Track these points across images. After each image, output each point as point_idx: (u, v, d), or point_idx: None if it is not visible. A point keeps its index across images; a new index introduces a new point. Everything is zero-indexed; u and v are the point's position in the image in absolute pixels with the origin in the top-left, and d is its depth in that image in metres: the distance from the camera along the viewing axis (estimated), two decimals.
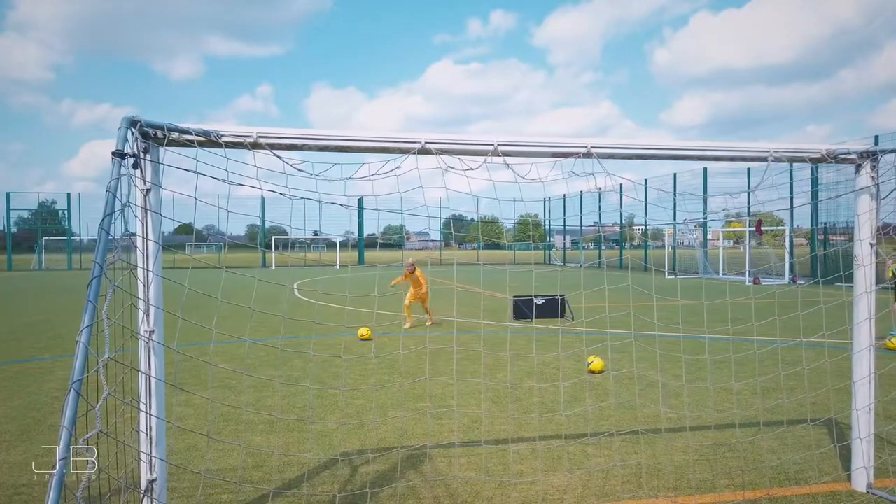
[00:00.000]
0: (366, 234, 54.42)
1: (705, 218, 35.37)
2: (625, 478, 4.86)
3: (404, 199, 4.65)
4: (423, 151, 4.22)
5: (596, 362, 8.62)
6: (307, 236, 58.05)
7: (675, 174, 35.34)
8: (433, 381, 7.90)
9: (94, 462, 2.40)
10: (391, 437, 5.90)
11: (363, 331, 11.58)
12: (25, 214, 52.22)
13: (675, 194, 35.81)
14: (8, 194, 46.67)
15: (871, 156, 4.75)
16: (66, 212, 48.99)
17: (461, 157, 4.33)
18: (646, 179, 38.45)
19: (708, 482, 4.78)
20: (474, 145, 4.30)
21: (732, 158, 4.93)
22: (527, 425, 6.24)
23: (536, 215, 56.07)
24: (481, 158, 4.33)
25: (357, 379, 8.30)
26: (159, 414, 3.61)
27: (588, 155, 4.43)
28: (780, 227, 32.96)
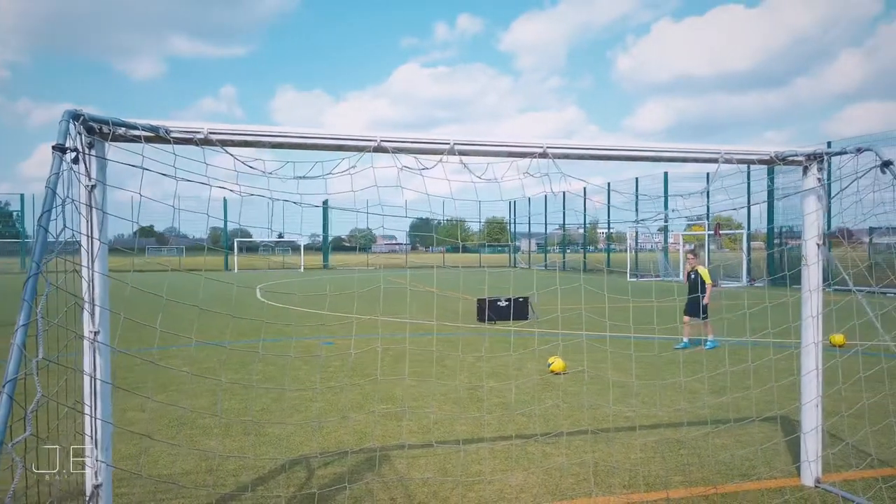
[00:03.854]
0: (332, 236, 54.03)
1: (666, 221, 36.05)
2: (581, 476, 4.90)
3: (371, 201, 4.62)
4: (379, 149, 4.19)
5: (557, 363, 8.68)
6: (271, 239, 57.33)
7: (636, 178, 35.88)
8: (394, 384, 7.86)
9: (22, 468, 2.30)
10: (350, 439, 5.85)
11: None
12: None
13: (636, 198, 36.42)
14: None
15: (818, 158, 4.89)
16: (19, 213, 47.56)
17: (417, 156, 4.32)
18: (608, 183, 39.01)
19: (661, 479, 4.84)
20: (430, 144, 4.29)
21: (685, 160, 5.02)
22: (486, 426, 6.25)
23: (503, 219, 56.36)
24: (437, 158, 4.33)
25: (317, 382, 8.21)
26: (104, 417, 3.51)
27: (544, 155, 4.46)
28: (738, 231, 33.76)
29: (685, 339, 10.45)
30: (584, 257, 45.18)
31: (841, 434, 5.72)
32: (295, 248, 52.10)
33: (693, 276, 10.75)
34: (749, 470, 5.01)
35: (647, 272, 32.90)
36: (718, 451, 5.44)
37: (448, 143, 4.28)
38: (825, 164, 4.94)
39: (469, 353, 10.13)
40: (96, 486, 3.50)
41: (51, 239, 2.84)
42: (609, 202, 36.04)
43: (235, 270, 43.58)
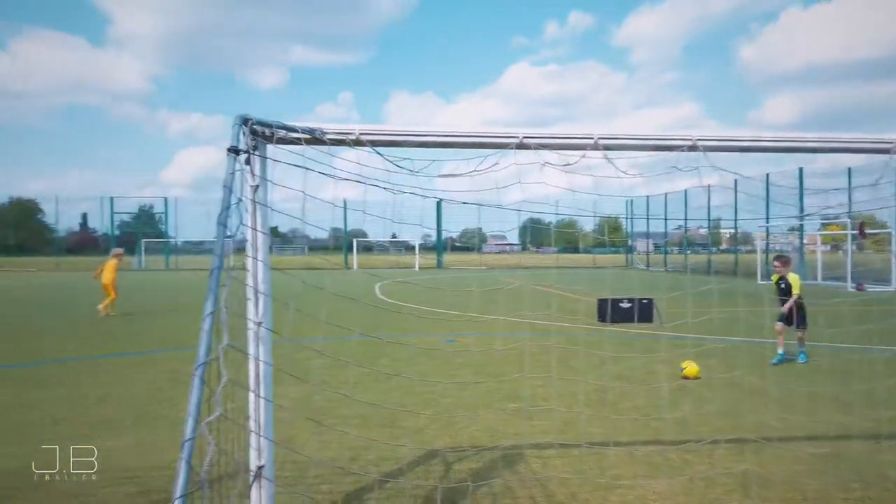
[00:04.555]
0: (443, 236, 54.82)
1: (802, 219, 33.61)
2: (729, 486, 4.64)
3: (481, 202, 4.61)
4: (522, 146, 4.17)
5: (690, 367, 8.30)
6: (386, 239, 59.04)
7: (767, 174, 33.64)
8: (522, 383, 7.82)
9: (215, 444, 2.48)
10: (483, 435, 5.88)
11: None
12: (126, 218, 55.61)
13: (767, 195, 34.20)
14: (112, 199, 50.11)
15: None
16: (163, 215, 51.94)
17: (559, 151, 4.26)
18: (735, 180, 36.89)
19: (822, 495, 4.49)
20: (573, 139, 4.22)
21: (848, 150, 4.63)
22: (621, 429, 6.07)
23: (617, 218, 54.65)
24: (580, 153, 4.26)
25: (444, 378, 8.33)
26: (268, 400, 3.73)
27: (694, 148, 4.26)
28: (884, 231, 30.83)
29: (780, 351, 9.44)
30: (709, 259, 42.95)
31: None
32: (408, 247, 53.28)
33: (783, 284, 9.63)
34: None
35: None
36: (885, 469, 4.97)
37: (592, 138, 4.19)
38: None
39: (593, 354, 9.91)
40: (260, 467, 3.73)
41: (228, 235, 3.05)
42: (736, 199, 34.10)
43: (355, 268, 45.25)
